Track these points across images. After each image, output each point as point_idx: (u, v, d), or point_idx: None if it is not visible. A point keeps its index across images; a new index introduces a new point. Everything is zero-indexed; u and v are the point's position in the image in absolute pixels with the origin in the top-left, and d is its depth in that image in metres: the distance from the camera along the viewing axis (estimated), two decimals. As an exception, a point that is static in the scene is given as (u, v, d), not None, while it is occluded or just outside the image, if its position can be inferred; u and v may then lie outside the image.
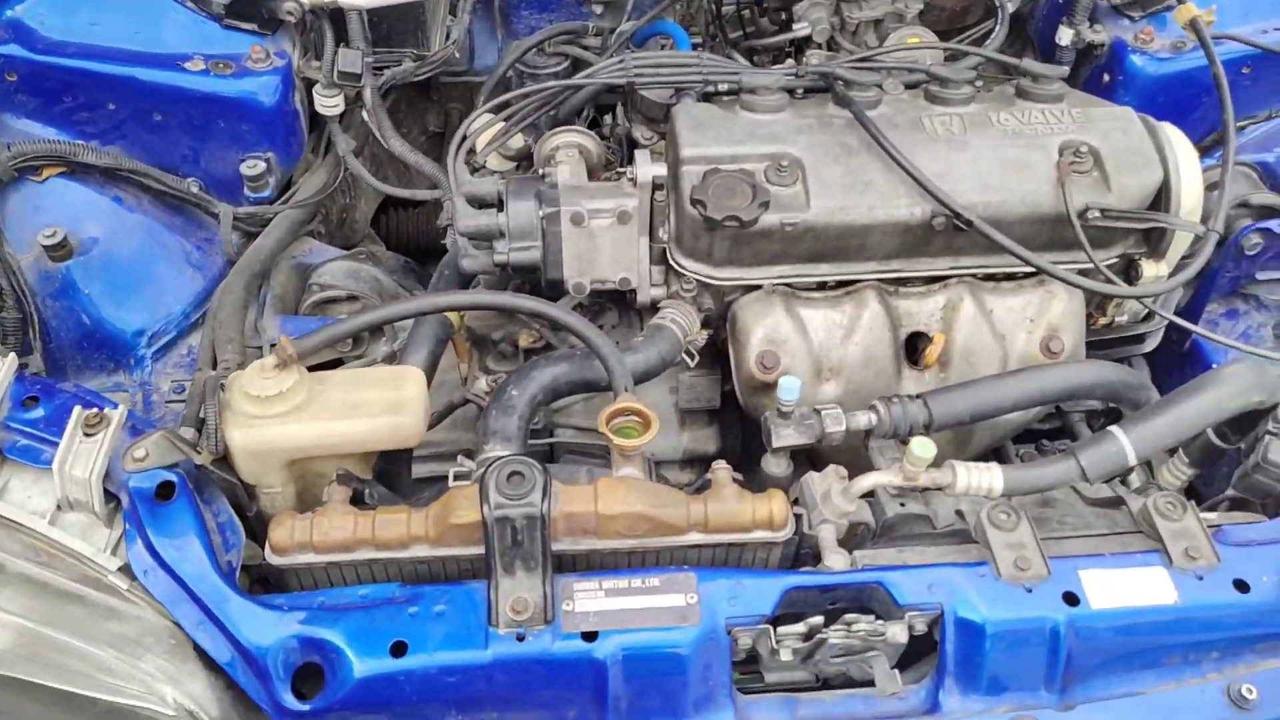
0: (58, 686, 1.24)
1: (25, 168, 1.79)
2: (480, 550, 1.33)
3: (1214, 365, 1.86)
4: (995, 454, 1.85)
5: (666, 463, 1.91)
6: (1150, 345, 1.87)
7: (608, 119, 2.07)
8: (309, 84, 1.99)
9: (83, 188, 1.84)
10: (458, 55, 2.25)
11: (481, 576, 1.35)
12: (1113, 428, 1.42)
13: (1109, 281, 1.60)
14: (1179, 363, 1.92)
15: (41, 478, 1.37)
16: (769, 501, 1.37)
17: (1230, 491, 1.58)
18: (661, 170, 1.65)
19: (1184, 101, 1.99)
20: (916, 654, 1.37)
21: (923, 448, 1.35)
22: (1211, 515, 1.47)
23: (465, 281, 1.86)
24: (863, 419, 1.50)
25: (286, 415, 1.41)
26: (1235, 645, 1.33)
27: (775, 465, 1.54)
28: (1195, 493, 1.73)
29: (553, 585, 1.30)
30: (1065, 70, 1.74)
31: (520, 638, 1.27)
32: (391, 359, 1.90)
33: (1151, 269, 1.69)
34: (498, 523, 1.28)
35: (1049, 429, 1.92)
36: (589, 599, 1.31)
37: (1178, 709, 1.31)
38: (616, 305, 1.89)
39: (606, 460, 1.81)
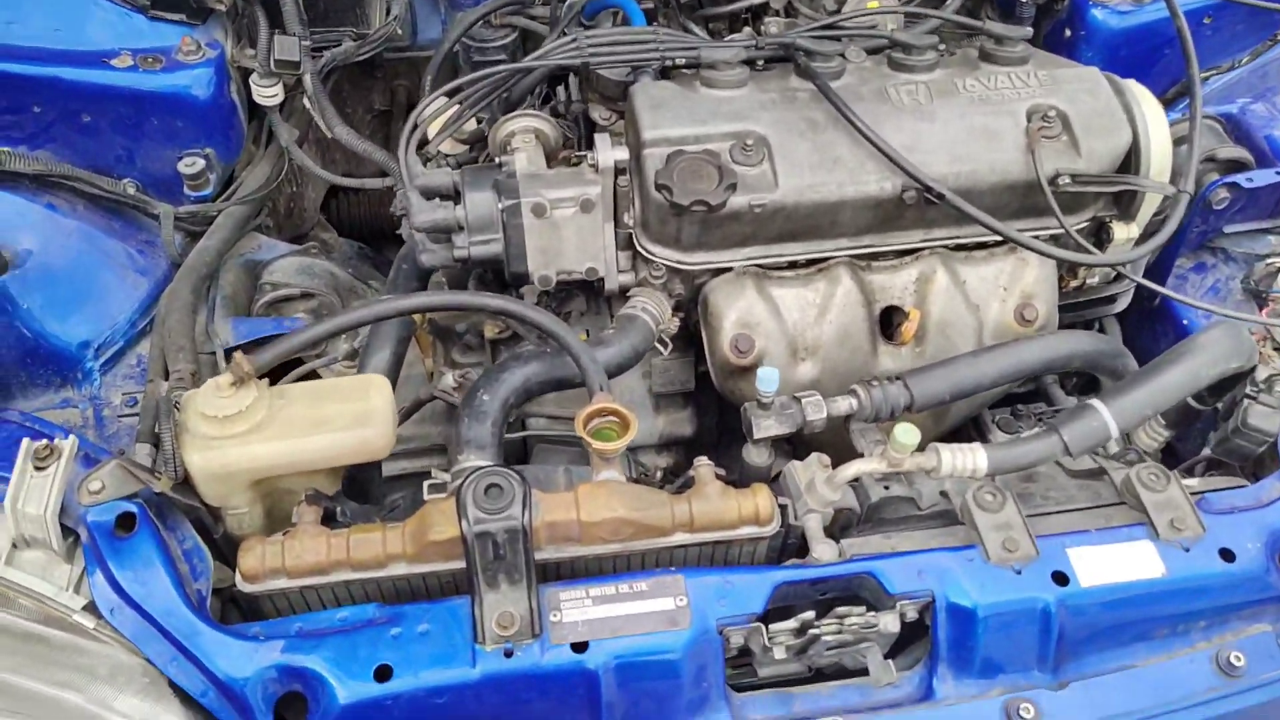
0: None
1: (-52, 180, 1.69)
2: (461, 564, 1.29)
3: (1185, 321, 1.86)
4: (971, 421, 1.84)
5: (643, 447, 1.88)
6: (1121, 305, 1.86)
7: (560, 91, 2.00)
8: (245, 74, 1.89)
9: (12, 197, 1.73)
10: (400, 31, 2.15)
11: (462, 589, 1.32)
12: (1093, 400, 1.41)
13: (1081, 249, 1.58)
14: (1150, 320, 1.92)
15: (-8, 516, 1.30)
16: (754, 497, 1.34)
17: (1207, 452, 1.59)
18: (623, 155, 1.59)
19: (1146, 54, 1.97)
20: (907, 637, 1.37)
21: (907, 434, 1.33)
22: (1194, 481, 1.47)
23: (424, 275, 1.80)
24: (843, 404, 1.48)
25: (247, 435, 1.34)
26: (1222, 613, 1.34)
27: (757, 455, 1.52)
28: (1172, 452, 1.74)
29: (538, 597, 1.27)
30: (1029, 31, 1.70)
31: (508, 653, 1.24)
32: (353, 356, 1.84)
33: (1122, 231, 1.67)
34: (478, 538, 1.24)
35: (1024, 392, 1.91)
36: (576, 608, 1.28)
37: (1169, 680, 1.31)
38: (583, 292, 1.83)
39: (582, 449, 1.78)
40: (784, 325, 1.63)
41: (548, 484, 1.53)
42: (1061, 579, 1.29)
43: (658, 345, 1.66)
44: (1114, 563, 1.31)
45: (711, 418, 1.92)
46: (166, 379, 1.64)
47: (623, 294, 1.70)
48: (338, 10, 1.99)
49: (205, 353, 1.76)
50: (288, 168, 2.03)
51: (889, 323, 1.68)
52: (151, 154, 1.80)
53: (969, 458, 1.36)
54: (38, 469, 1.29)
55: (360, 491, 1.69)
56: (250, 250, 1.97)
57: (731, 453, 1.88)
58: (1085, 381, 1.96)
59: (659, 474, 1.86)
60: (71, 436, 1.32)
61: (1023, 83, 1.64)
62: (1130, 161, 1.63)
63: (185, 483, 1.37)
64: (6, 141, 1.75)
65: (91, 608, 1.27)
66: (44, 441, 1.30)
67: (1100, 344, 1.60)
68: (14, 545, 1.29)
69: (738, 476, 1.54)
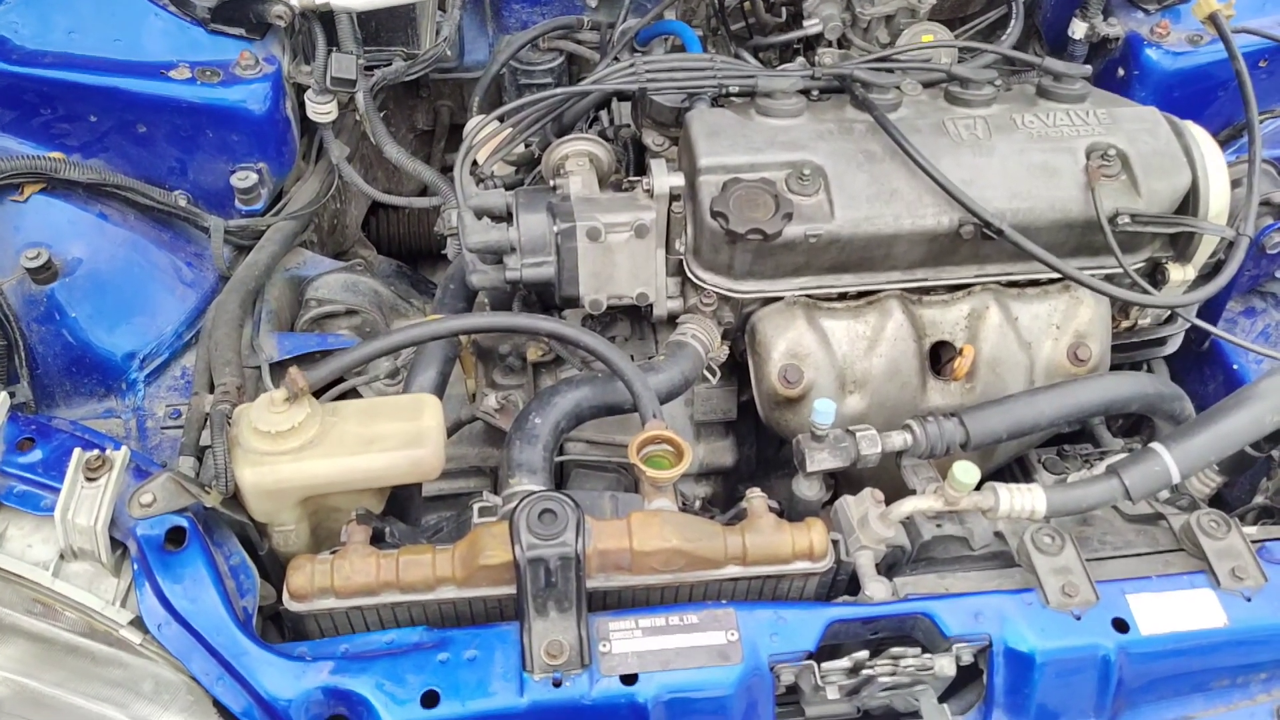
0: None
1: (5, 185, 1.70)
2: (510, 590, 1.27)
3: (1234, 366, 1.84)
4: (1016, 461, 1.82)
5: (683, 476, 1.86)
6: (1172, 348, 1.84)
7: (603, 114, 2.00)
8: (299, 90, 1.90)
9: (66, 205, 1.74)
10: (449, 52, 2.16)
11: (509, 615, 1.30)
12: (1155, 445, 1.39)
13: (1141, 289, 1.56)
14: (1198, 363, 1.90)
15: (42, 525, 1.29)
16: (808, 531, 1.32)
17: (1260, 499, 1.56)
18: (679, 181, 1.59)
19: (1199, 96, 1.96)
20: (958, 681, 1.34)
21: (966, 473, 1.31)
22: (1251, 529, 1.44)
23: (471, 296, 1.79)
24: (898, 440, 1.46)
25: (300, 451, 1.33)
26: (1284, 665, 1.31)
27: (808, 488, 1.50)
28: (1219, 498, 1.71)
29: (588, 626, 1.25)
30: (1089, 70, 1.69)
31: (557, 683, 1.22)
32: (395, 375, 1.83)
33: (1178, 273, 1.66)
34: (531, 564, 1.22)
35: (1069, 432, 1.89)
36: (626, 639, 1.26)
37: (1228, 733, 1.29)
38: (628, 316, 1.83)
39: (620, 475, 1.77)
40: (833, 357, 1.61)
41: (593, 510, 1.51)
42: (1122, 626, 1.27)
43: (705, 373, 1.65)
44: (1175, 611, 1.28)
45: (749, 447, 1.91)
46: (211, 392, 1.63)
47: (670, 320, 1.70)
48: (389, 30, 2.00)
49: (249, 367, 1.75)
50: (336, 184, 2.04)
51: (938, 358, 1.67)
52: (204, 166, 1.81)
53: (1027, 498, 1.34)
54: (89, 480, 1.28)
55: (399, 511, 1.67)
56: (295, 265, 1.97)
57: (767, 483, 1.87)
58: (1131, 424, 1.94)
59: (697, 503, 1.84)
60: (124, 448, 1.31)
61: (1082, 120, 1.63)
62: (1189, 203, 1.62)
63: (234, 498, 1.36)
64: (62, 149, 1.76)
65: (138, 622, 1.25)
66: (95, 452, 1.30)
67: (1160, 387, 1.58)
68: (61, 557, 1.28)
69: (783, 508, 1.52)
